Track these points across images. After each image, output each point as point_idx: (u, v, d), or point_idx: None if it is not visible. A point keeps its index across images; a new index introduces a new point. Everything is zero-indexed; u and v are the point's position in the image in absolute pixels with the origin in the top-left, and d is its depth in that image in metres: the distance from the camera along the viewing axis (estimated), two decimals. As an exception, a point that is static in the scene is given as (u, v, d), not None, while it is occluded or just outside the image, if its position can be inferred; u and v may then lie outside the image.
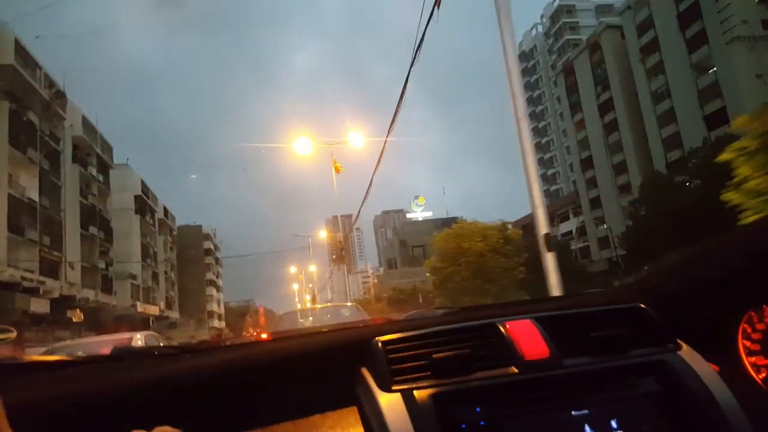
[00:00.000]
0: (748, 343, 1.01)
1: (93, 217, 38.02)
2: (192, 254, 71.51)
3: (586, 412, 0.87)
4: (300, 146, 20.84)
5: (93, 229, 37.77)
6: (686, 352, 0.97)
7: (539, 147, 75.33)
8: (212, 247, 76.82)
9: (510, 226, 32.37)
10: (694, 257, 1.20)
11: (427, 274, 33.62)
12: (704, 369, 0.93)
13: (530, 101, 76.29)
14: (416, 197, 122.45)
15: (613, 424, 0.86)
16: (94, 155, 39.35)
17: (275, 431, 0.95)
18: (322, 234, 44.67)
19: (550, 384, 0.91)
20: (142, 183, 51.87)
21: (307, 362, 1.03)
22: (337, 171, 22.62)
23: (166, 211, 62.37)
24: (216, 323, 76.36)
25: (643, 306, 1.07)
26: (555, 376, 0.92)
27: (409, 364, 0.94)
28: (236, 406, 0.96)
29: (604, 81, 50.95)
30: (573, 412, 0.87)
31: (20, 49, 28.63)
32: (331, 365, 1.03)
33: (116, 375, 0.98)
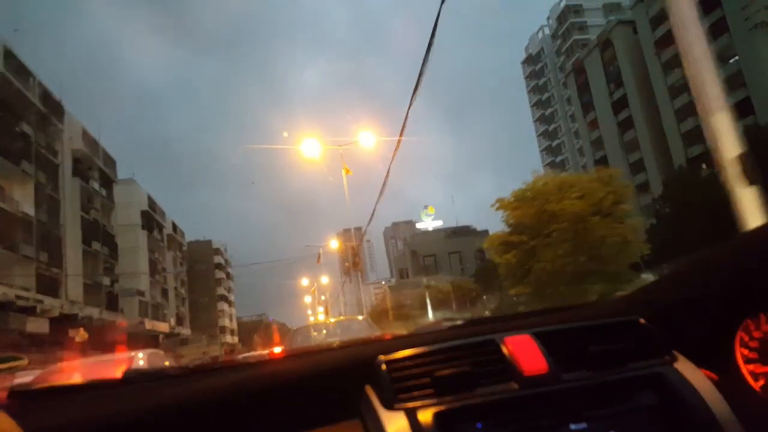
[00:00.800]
0: (745, 351, 1.00)
1: (96, 232, 37.09)
2: (202, 269, 70.62)
3: (584, 425, 0.89)
4: (308, 148, 20.11)
5: (96, 245, 36.84)
6: (682, 364, 0.99)
7: (549, 150, 73.75)
8: (223, 261, 75.89)
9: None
10: (689, 268, 1.18)
11: (495, 258, 23.33)
12: (700, 380, 0.95)
13: (539, 105, 74.98)
14: (425, 207, 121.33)
15: None
16: (96, 169, 38.52)
17: None
18: (334, 244, 43.61)
19: (550, 399, 0.93)
20: (149, 198, 51.12)
21: (313, 382, 1.05)
22: (348, 173, 21.21)
23: (174, 226, 61.63)
24: (228, 338, 75.23)
25: (640, 319, 1.08)
26: (554, 390, 0.94)
27: (412, 383, 0.97)
28: (245, 425, 1.00)
29: (617, 78, 49.47)
30: (572, 426, 0.89)
31: (11, 58, 27.83)
32: (337, 384, 1.05)
33: (128, 399, 1.01)
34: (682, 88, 41.71)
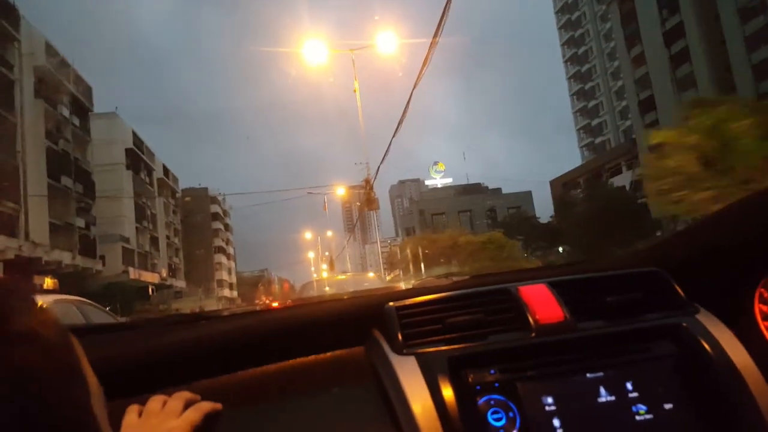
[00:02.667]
0: (764, 308, 0.99)
1: (66, 166, 31.62)
2: (198, 219, 65.54)
3: (601, 374, 0.88)
4: (313, 50, 15.25)
5: (67, 181, 31.45)
6: (704, 315, 0.97)
7: (582, 94, 67.11)
8: (220, 211, 70.67)
9: None
10: (709, 222, 1.18)
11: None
12: (722, 332, 0.93)
13: (571, 42, 67.77)
14: (435, 163, 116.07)
15: (629, 385, 0.87)
16: (66, 93, 32.70)
17: (291, 393, 0.97)
18: (340, 191, 38.60)
19: (565, 347, 0.92)
20: (134, 135, 45.34)
21: (320, 327, 1.05)
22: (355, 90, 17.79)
23: (166, 170, 56.12)
24: (226, 292, 70.82)
25: (658, 270, 1.06)
26: (569, 339, 0.93)
27: (422, 329, 0.95)
28: (252, 361, 1.00)
29: (673, 2, 42.63)
30: (588, 375, 0.88)
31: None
32: (345, 330, 1.04)
33: (134, 342, 1.02)
34: (757, 9, 35.31)
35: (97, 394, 0.46)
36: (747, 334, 0.94)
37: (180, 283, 57.51)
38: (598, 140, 64.57)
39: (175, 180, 59.99)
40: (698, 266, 1.08)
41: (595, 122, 65.38)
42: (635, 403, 0.86)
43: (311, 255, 65.26)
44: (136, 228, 43.87)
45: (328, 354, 1.01)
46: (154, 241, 49.42)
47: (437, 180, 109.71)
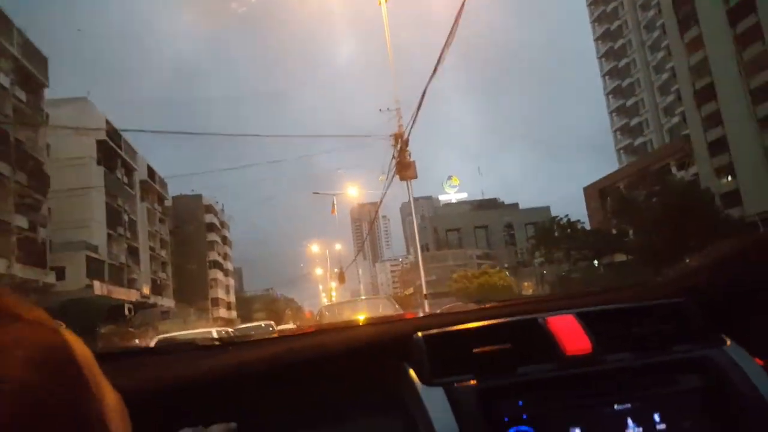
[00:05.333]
0: None
1: (3, 148, 25.14)
2: (191, 230, 59.06)
3: (628, 406, 0.89)
4: None
5: (3, 167, 24.97)
6: (731, 347, 0.96)
7: (620, 92, 60.39)
8: (216, 222, 64.26)
9: None
10: (737, 250, 1.18)
11: None
12: (750, 364, 0.92)
13: (606, 36, 61.30)
14: (449, 177, 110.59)
15: (656, 417, 0.88)
16: (8, 58, 26.34)
17: (320, 421, 0.98)
18: (351, 192, 32.47)
19: (592, 379, 0.93)
20: (109, 125, 38.99)
21: (350, 355, 1.06)
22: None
23: (152, 172, 49.78)
24: (223, 313, 63.92)
25: (686, 301, 1.05)
26: (597, 371, 0.93)
27: (451, 359, 0.95)
28: (281, 398, 1.00)
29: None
30: (616, 407, 0.89)
31: None
32: (374, 359, 1.05)
33: (160, 368, 1.01)
34: None
35: (116, 410, 0.41)
36: None
37: (167, 302, 50.72)
38: (638, 142, 57.67)
39: (164, 185, 53.56)
40: (727, 296, 1.07)
41: (634, 122, 58.50)
42: None
43: (319, 271, 59.18)
44: (109, 235, 37.29)
45: (356, 383, 1.00)
46: (133, 252, 42.83)
47: (451, 195, 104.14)
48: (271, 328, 14.99)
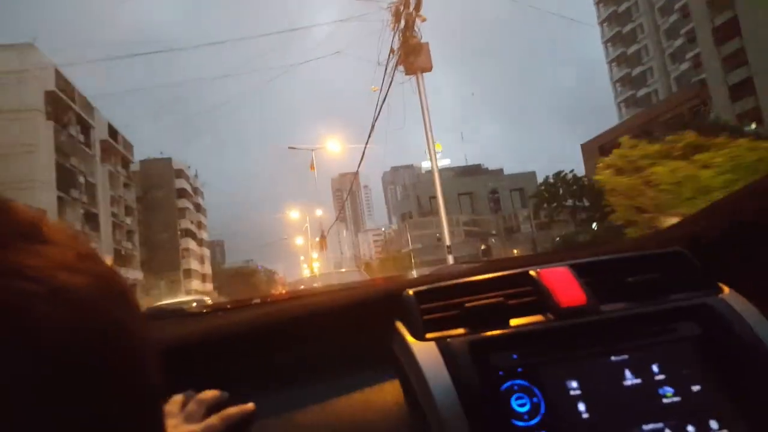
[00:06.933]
0: None
1: None
2: (160, 196, 54.62)
3: (625, 357, 0.87)
4: None
5: None
6: (729, 294, 0.95)
7: (620, 39, 56.32)
8: (188, 187, 59.78)
9: None
10: (734, 199, 1.17)
11: None
12: (749, 311, 0.91)
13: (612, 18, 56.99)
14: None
15: (654, 368, 0.86)
16: None
17: (316, 381, 0.98)
18: (331, 146, 28.53)
19: (588, 330, 0.91)
20: (59, 75, 34.17)
21: (341, 315, 1.05)
22: None
23: (113, 131, 45.03)
24: (197, 285, 60.03)
25: (682, 250, 1.04)
26: (593, 322, 0.92)
27: (441, 314, 0.95)
28: (276, 361, 1.00)
29: None
30: (613, 358, 0.88)
31: None
32: (366, 317, 1.04)
33: (156, 333, 1.00)
34: None
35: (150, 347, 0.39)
36: None
37: (134, 274, 46.67)
38: (640, 93, 54.09)
39: (128, 146, 48.85)
40: (724, 245, 1.05)
41: (636, 71, 54.71)
42: (662, 385, 0.84)
43: (300, 241, 55.65)
44: (59, 198, 33.03)
45: (348, 341, 1.00)
46: (92, 218, 38.58)
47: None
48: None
